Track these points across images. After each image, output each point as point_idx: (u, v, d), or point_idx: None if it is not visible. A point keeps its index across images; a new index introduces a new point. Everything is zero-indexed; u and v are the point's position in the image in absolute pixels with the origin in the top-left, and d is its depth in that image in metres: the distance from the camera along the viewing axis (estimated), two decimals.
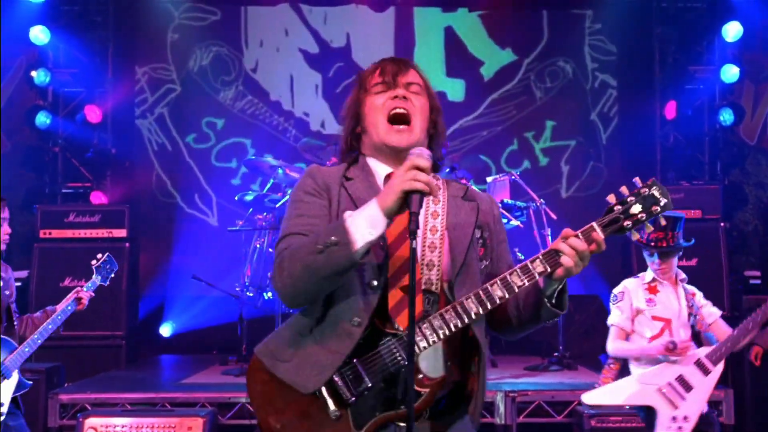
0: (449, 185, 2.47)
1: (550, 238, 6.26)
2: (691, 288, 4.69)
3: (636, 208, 2.22)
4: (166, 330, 8.23)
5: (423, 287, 2.28)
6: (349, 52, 8.67)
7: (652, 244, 4.56)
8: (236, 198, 7.17)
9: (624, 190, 2.23)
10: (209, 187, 8.62)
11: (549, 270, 2.20)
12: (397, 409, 2.21)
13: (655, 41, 8.41)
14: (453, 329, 2.22)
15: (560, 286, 2.28)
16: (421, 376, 2.23)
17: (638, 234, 2.25)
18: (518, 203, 6.41)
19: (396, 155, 2.36)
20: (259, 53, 8.74)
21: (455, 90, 8.56)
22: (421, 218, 2.33)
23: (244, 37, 8.74)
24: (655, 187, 2.22)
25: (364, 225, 2.13)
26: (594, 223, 2.22)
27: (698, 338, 4.57)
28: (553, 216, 6.45)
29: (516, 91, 8.68)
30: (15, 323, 4.32)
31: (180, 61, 8.68)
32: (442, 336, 2.22)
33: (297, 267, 2.19)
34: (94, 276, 4.62)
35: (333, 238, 2.13)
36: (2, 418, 4.06)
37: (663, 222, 2.26)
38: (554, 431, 4.54)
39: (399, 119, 2.36)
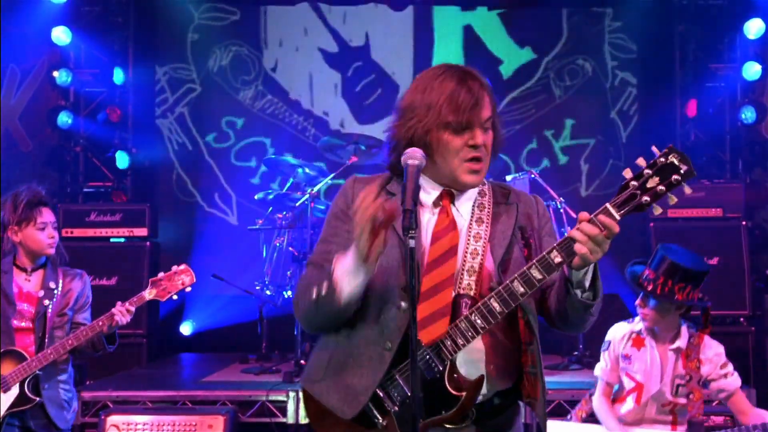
0: (495, 191, 2.46)
1: None
2: (711, 351, 4.01)
3: (654, 181, 2.06)
4: (186, 328, 8.26)
5: (462, 292, 2.25)
6: (368, 51, 8.66)
7: (641, 281, 3.92)
8: (256, 197, 7.18)
9: (641, 161, 2.09)
10: (229, 186, 8.65)
11: (566, 259, 2.12)
12: (438, 414, 2.22)
13: (675, 39, 8.33)
14: (480, 330, 2.20)
15: (589, 274, 2.18)
16: (456, 376, 2.22)
17: (661, 209, 2.08)
18: None
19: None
20: (278, 53, 8.75)
21: None
22: (464, 225, 2.35)
23: (264, 37, 8.75)
24: (673, 155, 2.06)
25: (345, 278, 2.18)
26: (608, 204, 2.10)
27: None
28: (573, 214, 6.41)
29: (535, 89, 8.65)
30: (50, 333, 4.15)
31: (200, 61, 8.72)
32: (470, 338, 2.20)
33: (304, 309, 2.32)
34: (146, 290, 4.25)
35: (323, 291, 2.20)
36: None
37: (688, 191, 2.07)
38: None
39: (475, 160, 2.33)
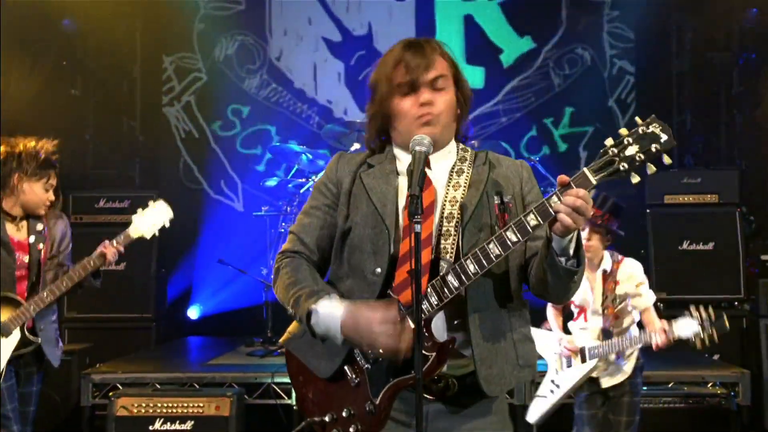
0: (477, 156, 2.45)
1: None
2: (626, 271, 4.43)
3: (633, 149, 2.00)
4: (193, 312, 8.30)
5: (441, 255, 2.24)
6: (371, 40, 8.65)
7: None
8: (261, 184, 7.20)
9: (623, 131, 2.04)
10: (235, 173, 8.66)
11: (541, 222, 2.08)
12: (407, 374, 2.19)
13: (672, 27, 8.33)
14: (454, 290, 2.17)
15: (573, 242, 2.13)
16: (427, 334, 2.19)
17: (639, 177, 2.02)
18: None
19: None
20: (283, 42, 8.75)
21: (475, 77, 8.52)
22: (441, 190, 2.34)
23: (269, 27, 8.74)
24: (654, 124, 2.01)
25: (323, 328, 2.25)
26: (585, 168, 2.06)
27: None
28: None
29: (535, 78, 8.63)
30: (43, 277, 4.22)
31: (206, 50, 8.72)
32: (444, 299, 2.18)
33: (280, 296, 2.41)
34: (131, 227, 4.33)
35: (298, 313, 2.31)
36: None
37: (668, 160, 2.02)
38: (572, 411, 4.53)
39: (426, 123, 2.33)
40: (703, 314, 4.02)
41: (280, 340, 2.51)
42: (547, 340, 4.56)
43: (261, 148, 8.59)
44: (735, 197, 6.90)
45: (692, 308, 4.07)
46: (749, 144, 7.75)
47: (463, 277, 2.16)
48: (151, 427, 4.93)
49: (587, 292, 4.45)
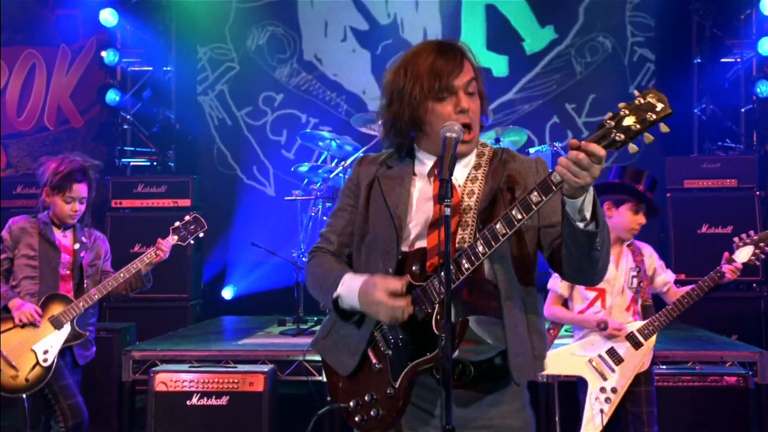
0: (495, 153, 2.42)
1: None
2: (647, 249, 4.26)
3: (629, 120, 1.96)
4: (227, 293, 8.37)
5: (456, 245, 2.22)
6: (397, 29, 8.62)
7: (637, 186, 4.07)
8: (292, 169, 7.22)
9: (621, 104, 2.00)
10: (266, 159, 8.70)
11: (544, 198, 2.04)
12: (423, 356, 2.19)
13: (692, 15, 8.21)
14: (465, 271, 2.15)
15: (588, 204, 2.06)
16: (439, 317, 2.15)
17: (636, 147, 1.98)
18: None
19: None
20: (312, 32, 8.74)
21: (499, 65, 8.48)
22: (461, 183, 2.33)
23: (298, 17, 8.74)
24: (651, 95, 1.96)
25: (347, 300, 2.32)
26: (582, 141, 1.98)
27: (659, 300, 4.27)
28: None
29: (557, 65, 8.56)
30: (86, 281, 4.50)
31: (238, 40, 8.74)
32: (455, 279, 2.15)
33: (312, 291, 2.51)
34: (170, 236, 4.67)
35: (329, 294, 2.35)
36: (47, 364, 4.27)
37: (664, 129, 1.96)
38: None
39: (465, 128, 2.28)
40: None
41: (310, 343, 2.60)
42: (569, 355, 4.14)
43: (292, 135, 8.61)
44: (754, 181, 6.85)
45: (736, 239, 4.10)
46: None
47: (473, 258, 2.14)
48: (188, 402, 4.98)
49: (610, 269, 3.99)
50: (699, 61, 8.16)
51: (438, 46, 2.33)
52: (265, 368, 5.13)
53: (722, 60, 8.03)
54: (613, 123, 1.98)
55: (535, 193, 2.06)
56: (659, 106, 1.94)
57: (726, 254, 4.09)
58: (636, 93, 1.99)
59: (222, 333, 7.09)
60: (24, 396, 4.32)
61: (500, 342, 2.24)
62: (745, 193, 6.80)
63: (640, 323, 4.08)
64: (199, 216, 4.76)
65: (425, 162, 2.40)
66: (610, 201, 4.13)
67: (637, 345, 4.04)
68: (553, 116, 8.52)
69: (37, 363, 4.27)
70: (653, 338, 4.07)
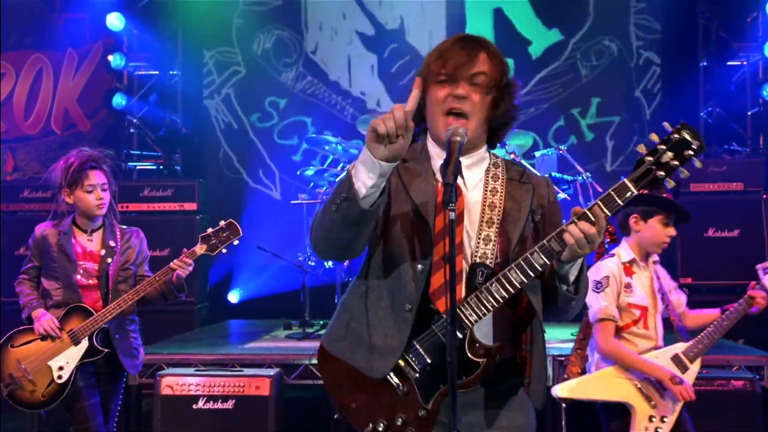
0: (508, 167, 2.39)
1: None
2: (661, 270, 4.04)
3: (667, 156, 2.04)
4: (234, 297, 8.37)
5: (477, 260, 2.22)
6: (403, 33, 8.63)
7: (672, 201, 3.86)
8: (298, 173, 7.22)
9: (654, 137, 2.07)
10: (273, 163, 8.70)
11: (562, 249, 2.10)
12: (459, 380, 2.18)
13: (698, 18, 8.20)
14: (500, 300, 2.15)
15: (575, 269, 2.17)
16: (477, 345, 2.19)
17: (674, 182, 2.05)
18: (565, 177, 6.35)
19: None
20: (318, 36, 8.75)
21: None
22: (479, 194, 2.30)
23: (304, 21, 8.75)
24: (685, 131, 2.04)
25: (363, 171, 2.10)
26: (625, 179, 2.07)
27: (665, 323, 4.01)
28: (599, 189, 6.37)
29: (563, 69, 8.55)
30: (120, 286, 4.25)
31: (244, 44, 8.76)
32: (490, 307, 2.16)
33: (322, 224, 2.22)
34: (197, 245, 4.31)
35: (343, 194, 2.10)
36: (61, 381, 4.07)
37: (699, 164, 2.05)
38: None
39: (455, 114, 2.24)
40: None
41: (320, 341, 2.42)
42: (613, 378, 3.78)
43: (297, 138, 8.62)
44: (760, 185, 6.84)
45: (759, 267, 3.98)
46: None
47: (509, 288, 2.15)
48: (194, 406, 4.98)
49: (648, 287, 3.90)
50: (705, 64, 8.15)
51: (461, 37, 2.33)
52: (271, 372, 5.13)
53: (728, 63, 8.01)
54: (652, 159, 2.06)
55: (554, 242, 2.12)
56: (695, 144, 2.04)
57: (752, 283, 3.97)
58: (668, 128, 2.07)
59: (228, 336, 7.10)
60: (42, 412, 4.17)
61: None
62: (751, 197, 6.78)
63: (684, 345, 3.86)
64: (234, 222, 4.39)
65: (434, 156, 2.35)
66: (636, 213, 3.93)
67: (683, 368, 3.80)
68: (558, 119, 8.51)
69: (53, 379, 4.08)
70: (698, 362, 3.85)
